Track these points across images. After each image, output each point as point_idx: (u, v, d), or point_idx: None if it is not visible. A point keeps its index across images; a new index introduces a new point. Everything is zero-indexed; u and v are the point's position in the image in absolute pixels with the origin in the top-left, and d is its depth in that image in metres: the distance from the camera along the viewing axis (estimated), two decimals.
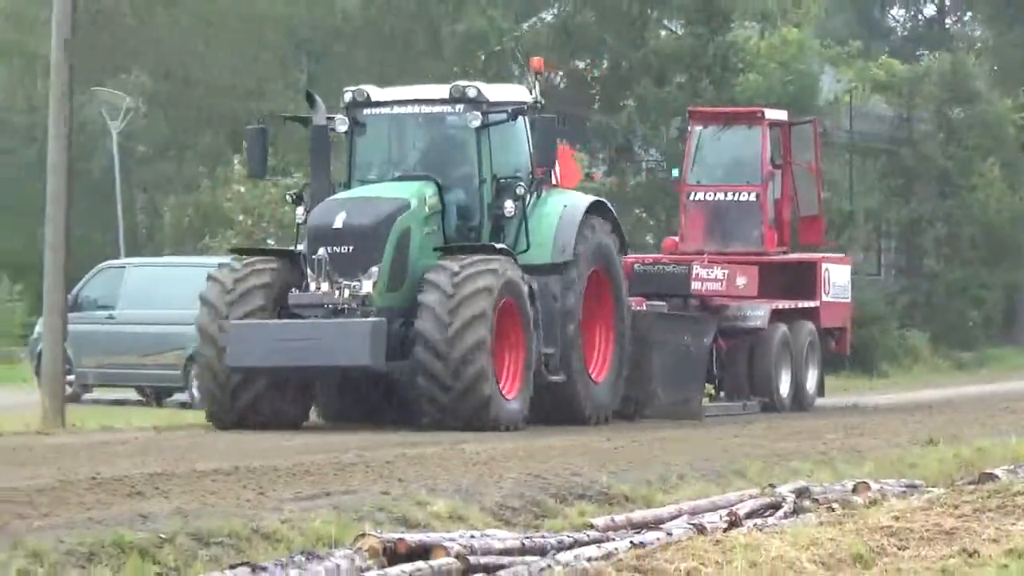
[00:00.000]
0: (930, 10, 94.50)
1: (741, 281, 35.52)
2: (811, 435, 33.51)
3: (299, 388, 29.62)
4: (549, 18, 72.36)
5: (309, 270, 29.08)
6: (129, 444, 30.15)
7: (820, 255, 39.67)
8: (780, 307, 36.75)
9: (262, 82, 58.34)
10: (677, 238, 39.24)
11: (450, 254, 28.50)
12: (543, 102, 31.78)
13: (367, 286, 29.02)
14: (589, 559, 17.17)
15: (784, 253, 38.59)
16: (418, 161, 31.47)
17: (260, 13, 73.05)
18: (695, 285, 34.28)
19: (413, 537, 17.81)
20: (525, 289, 28.88)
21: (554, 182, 31.78)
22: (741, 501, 21.23)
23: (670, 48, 69.58)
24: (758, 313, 36.34)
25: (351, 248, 29.10)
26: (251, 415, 28.95)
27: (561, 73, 55.61)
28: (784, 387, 36.40)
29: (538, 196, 31.07)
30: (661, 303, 35.07)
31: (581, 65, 66.39)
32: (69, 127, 40.12)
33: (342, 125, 31.24)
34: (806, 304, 37.88)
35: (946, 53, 77.57)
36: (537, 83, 32.12)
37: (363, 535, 17.01)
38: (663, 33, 71.67)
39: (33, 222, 47.89)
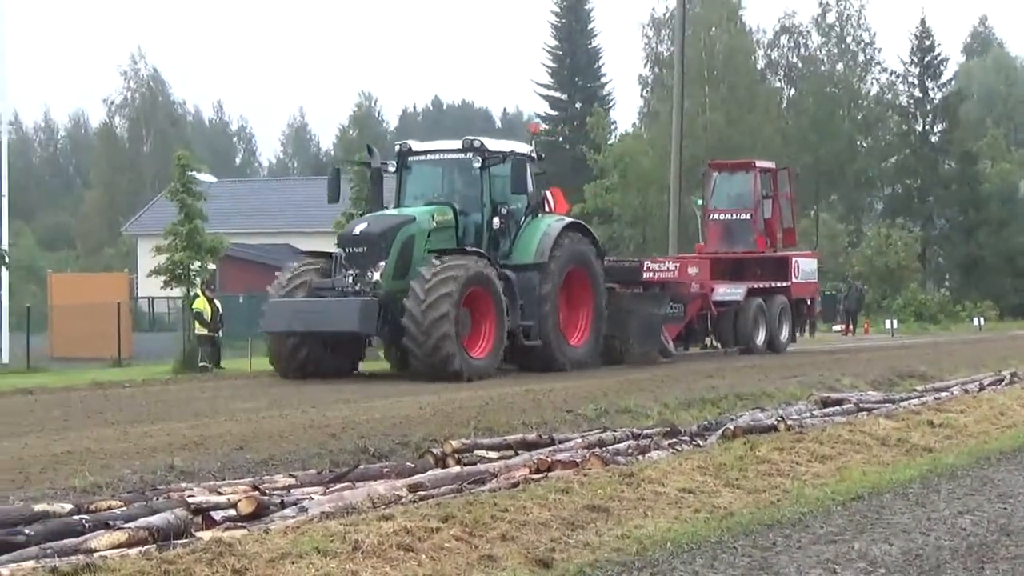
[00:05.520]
0: None
1: (693, 270, 34.38)
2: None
3: (345, 348, 27.65)
4: None
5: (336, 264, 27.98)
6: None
7: (792, 252, 39.17)
8: (755, 287, 36.45)
9: None
10: (703, 244, 39.42)
11: (437, 255, 26.68)
12: (539, 153, 30.51)
13: (376, 275, 26.49)
14: (914, 404, 20.63)
15: (774, 252, 38.56)
16: (442, 191, 29.17)
17: None
18: (647, 275, 32.42)
19: (834, 395, 21.91)
20: (495, 279, 27.09)
21: (548, 210, 29.79)
22: (985, 378, 25.37)
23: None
24: (738, 291, 35.56)
25: (364, 249, 26.83)
26: (298, 367, 26.73)
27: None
28: (759, 339, 35.79)
29: (534, 217, 29.23)
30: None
31: None
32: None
33: (392, 167, 29.53)
34: (779, 284, 37.45)
35: None
36: (534, 140, 31.62)
37: (811, 394, 22.12)
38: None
39: None
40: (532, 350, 28.20)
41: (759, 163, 39.45)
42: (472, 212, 28.58)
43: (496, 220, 28.40)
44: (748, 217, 37.53)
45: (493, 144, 29.05)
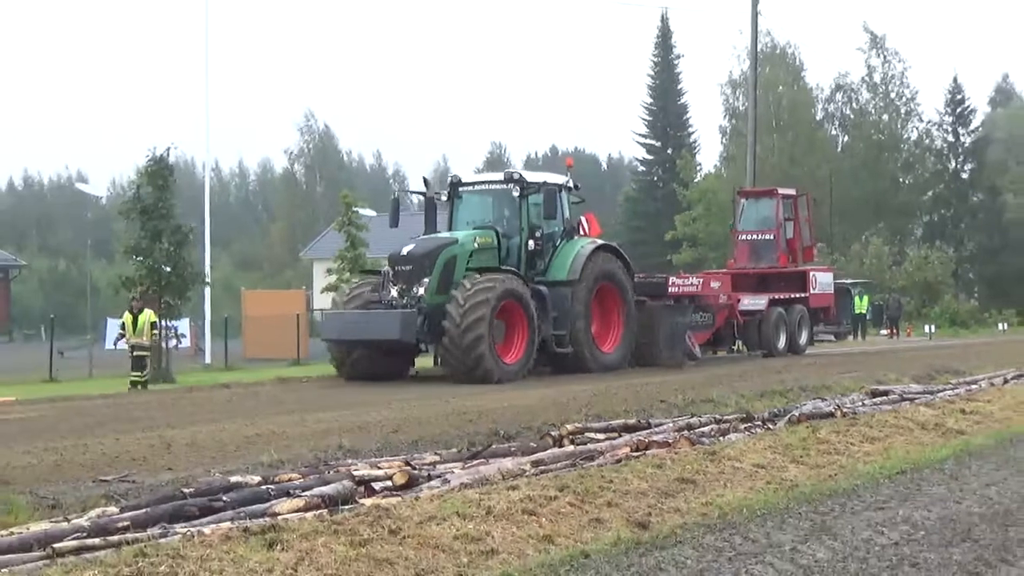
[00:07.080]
0: None
1: (715, 284, 32.29)
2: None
3: (399, 354, 25.95)
4: None
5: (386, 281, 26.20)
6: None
7: (810, 267, 36.45)
8: (776, 298, 34.23)
9: None
10: (733, 261, 37.33)
11: (475, 272, 25.18)
12: (575, 184, 28.31)
13: (421, 291, 24.98)
14: (949, 395, 20.06)
15: (794, 267, 36.14)
16: (488, 217, 27.55)
17: None
18: (672, 289, 30.29)
19: (881, 387, 21.53)
20: (527, 294, 25.51)
21: (583, 233, 28.03)
22: (1008, 374, 24.59)
23: None
24: (760, 302, 33.49)
25: (411, 267, 25.24)
26: (353, 370, 25.53)
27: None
28: (780, 343, 33.57)
29: (569, 239, 27.49)
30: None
31: None
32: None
33: (444, 196, 28.19)
34: (797, 295, 35.07)
35: None
36: (569, 171, 28.49)
37: (863, 387, 21.88)
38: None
39: None
40: (564, 356, 26.71)
41: (781, 190, 37.62)
42: (513, 235, 27.20)
43: (531, 242, 26.98)
44: (772, 237, 35.79)
45: (531, 176, 27.64)
